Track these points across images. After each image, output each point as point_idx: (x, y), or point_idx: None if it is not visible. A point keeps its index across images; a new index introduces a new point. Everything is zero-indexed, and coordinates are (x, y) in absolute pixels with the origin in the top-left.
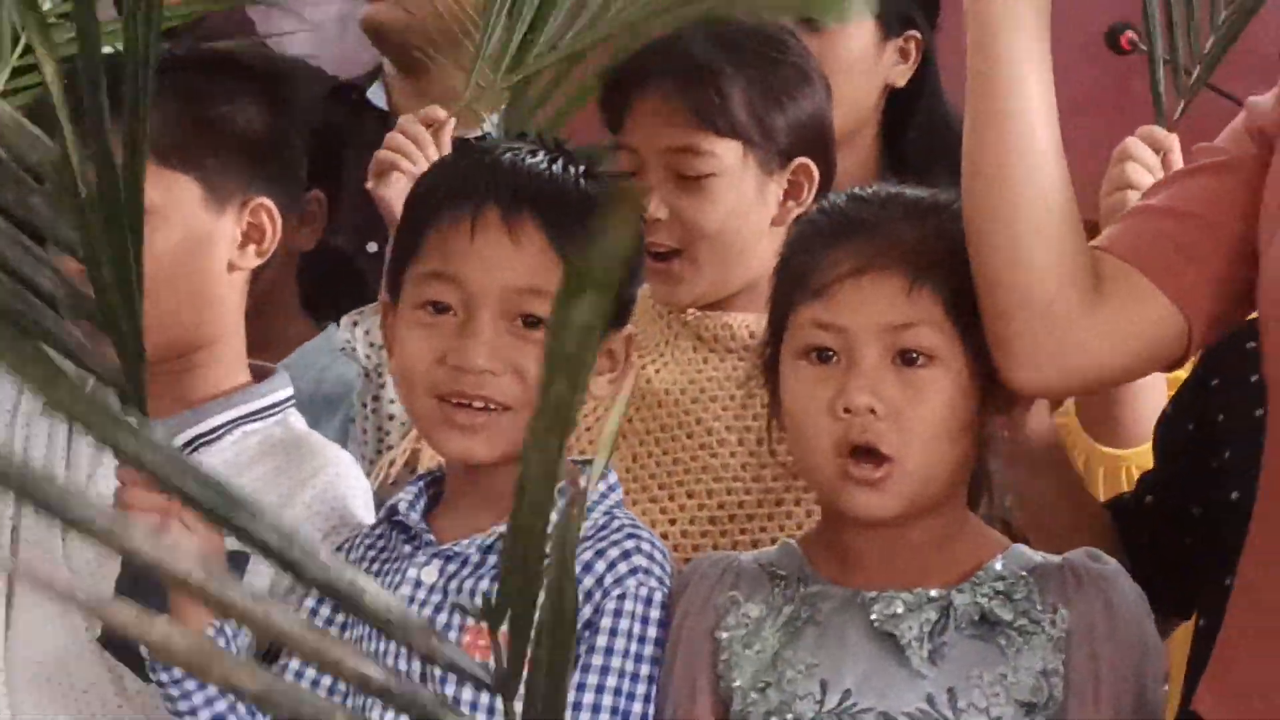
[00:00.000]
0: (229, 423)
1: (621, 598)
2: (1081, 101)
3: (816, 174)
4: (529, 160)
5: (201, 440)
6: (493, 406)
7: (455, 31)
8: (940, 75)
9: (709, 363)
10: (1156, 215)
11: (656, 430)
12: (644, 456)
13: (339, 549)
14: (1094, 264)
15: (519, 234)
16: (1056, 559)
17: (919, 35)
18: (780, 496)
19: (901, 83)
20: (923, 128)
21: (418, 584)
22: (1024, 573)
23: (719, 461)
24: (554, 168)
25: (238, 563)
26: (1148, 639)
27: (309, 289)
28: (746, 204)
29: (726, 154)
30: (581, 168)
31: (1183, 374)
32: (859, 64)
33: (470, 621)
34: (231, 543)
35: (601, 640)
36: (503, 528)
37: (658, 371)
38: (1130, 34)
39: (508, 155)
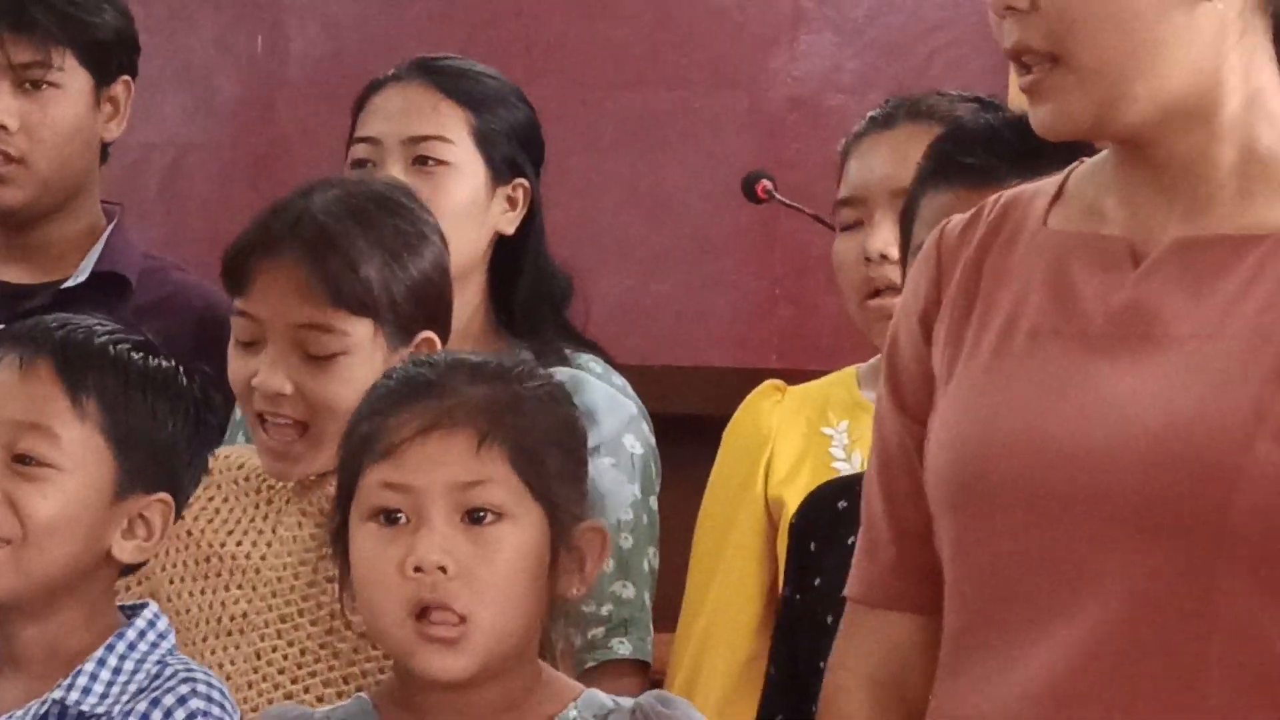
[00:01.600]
0: None
1: None
2: (725, 245)
3: (439, 345)
4: (78, 331)
5: None
6: None
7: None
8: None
9: (317, 539)
10: (876, 549)
11: (276, 621)
12: (269, 651)
13: None
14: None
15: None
16: (628, 704)
17: (527, 183)
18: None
19: (510, 230)
20: (531, 275)
21: None
22: None
23: (349, 645)
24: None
25: None
26: None
27: None
28: (372, 379)
29: (358, 331)
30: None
31: None
32: (468, 210)
33: None
34: None
35: None
36: (18, 712)
37: (264, 557)
38: (765, 183)
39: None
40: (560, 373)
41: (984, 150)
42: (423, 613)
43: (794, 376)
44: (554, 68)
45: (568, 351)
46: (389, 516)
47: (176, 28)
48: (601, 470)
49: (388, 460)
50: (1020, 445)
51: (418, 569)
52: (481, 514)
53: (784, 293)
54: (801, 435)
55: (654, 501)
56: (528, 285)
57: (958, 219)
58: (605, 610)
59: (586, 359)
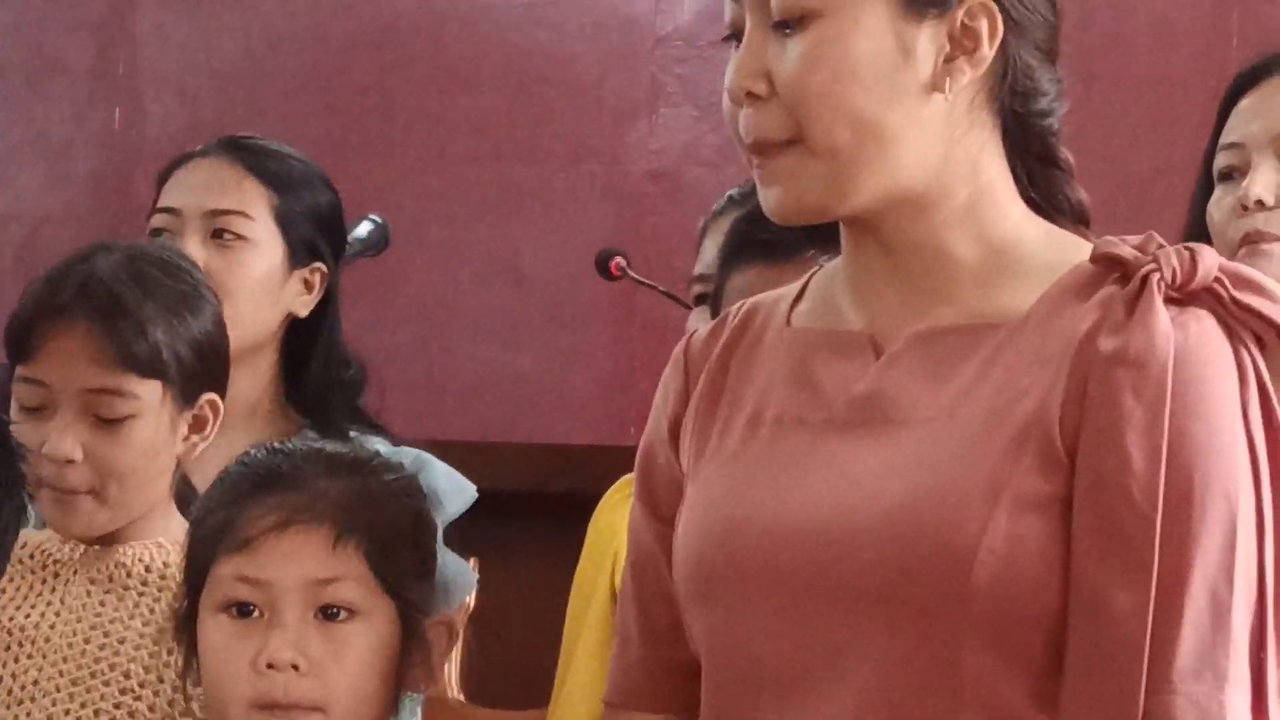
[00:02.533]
0: None
1: None
2: (583, 319)
3: (221, 406)
4: None
5: None
6: None
7: None
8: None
9: (107, 605)
10: (627, 651)
11: (68, 685)
12: (61, 715)
13: None
14: None
15: None
16: None
17: (324, 268)
18: None
19: (304, 313)
20: (321, 360)
21: None
22: None
23: (144, 704)
24: None
25: None
26: None
27: None
28: (160, 442)
29: (148, 394)
30: None
31: None
32: (263, 287)
33: None
34: None
35: None
36: None
37: (53, 626)
38: (619, 260)
39: None
40: (404, 453)
41: (780, 225)
42: (270, 707)
43: None
44: (413, 140)
45: (353, 433)
46: (241, 609)
47: (34, 100)
48: (446, 560)
49: (242, 552)
50: (763, 529)
51: (270, 665)
52: (335, 611)
53: (643, 367)
54: None
55: None
56: (318, 369)
57: (704, 328)
58: None
59: (375, 441)
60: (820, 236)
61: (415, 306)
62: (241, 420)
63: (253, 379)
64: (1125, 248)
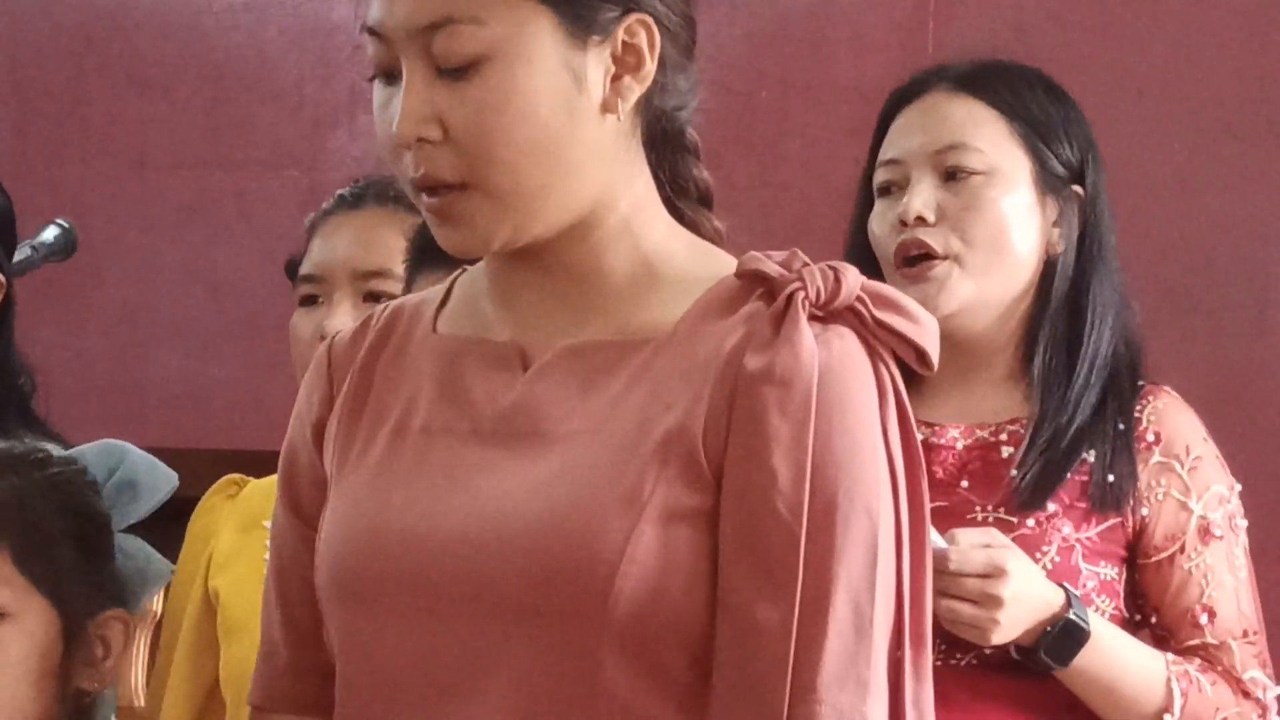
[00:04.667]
0: None
1: None
2: (282, 327)
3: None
4: None
5: None
6: None
7: None
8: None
9: None
10: (272, 653)
11: None
12: None
13: None
14: None
15: None
16: None
17: (2, 277)
18: None
19: None
20: None
21: None
22: None
23: None
24: None
25: None
26: None
27: None
28: None
29: None
30: None
31: None
32: None
33: None
34: None
35: None
36: None
37: None
38: None
39: None
40: (101, 444)
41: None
42: None
43: None
44: (110, 147)
45: (27, 439)
46: None
47: None
48: (137, 547)
49: None
50: (406, 537)
51: None
52: None
53: None
54: (242, 527)
55: None
56: None
57: (346, 330)
58: None
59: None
60: None
61: (111, 313)
62: None
63: None
64: (770, 264)
